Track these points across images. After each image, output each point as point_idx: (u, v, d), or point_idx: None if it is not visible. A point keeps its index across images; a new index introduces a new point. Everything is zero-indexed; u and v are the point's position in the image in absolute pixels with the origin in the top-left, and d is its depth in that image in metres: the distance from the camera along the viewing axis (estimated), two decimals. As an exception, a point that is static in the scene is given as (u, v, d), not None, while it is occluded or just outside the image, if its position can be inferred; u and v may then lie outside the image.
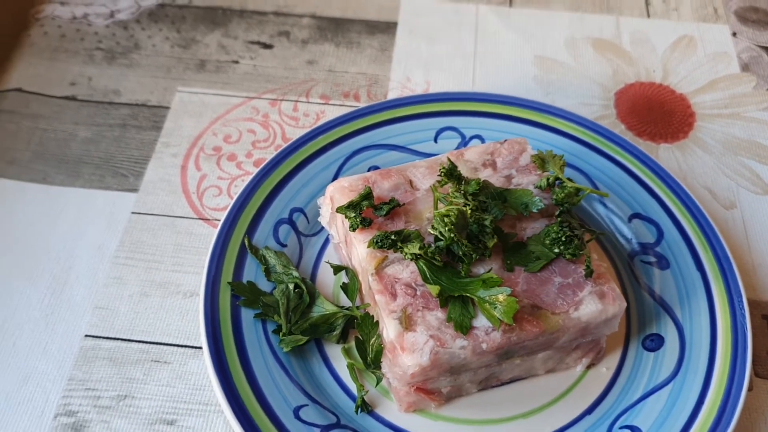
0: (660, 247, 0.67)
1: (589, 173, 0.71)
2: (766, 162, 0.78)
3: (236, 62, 0.86)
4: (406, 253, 0.57)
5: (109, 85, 0.84)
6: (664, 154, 0.79)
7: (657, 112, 0.82)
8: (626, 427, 0.57)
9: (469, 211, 0.57)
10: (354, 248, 0.60)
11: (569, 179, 0.61)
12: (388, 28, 0.90)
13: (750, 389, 0.63)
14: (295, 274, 0.64)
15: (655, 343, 0.62)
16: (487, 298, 0.54)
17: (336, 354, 0.62)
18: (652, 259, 0.66)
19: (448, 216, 0.56)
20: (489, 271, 0.57)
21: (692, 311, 0.63)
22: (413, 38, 0.89)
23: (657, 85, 0.85)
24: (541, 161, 0.63)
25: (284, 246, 0.67)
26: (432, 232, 0.57)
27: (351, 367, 0.60)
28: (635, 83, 0.85)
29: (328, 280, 0.66)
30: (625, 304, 0.56)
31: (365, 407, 0.59)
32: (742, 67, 0.87)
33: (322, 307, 0.62)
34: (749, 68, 0.87)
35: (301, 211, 0.69)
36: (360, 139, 0.73)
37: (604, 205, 0.70)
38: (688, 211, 0.68)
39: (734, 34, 0.90)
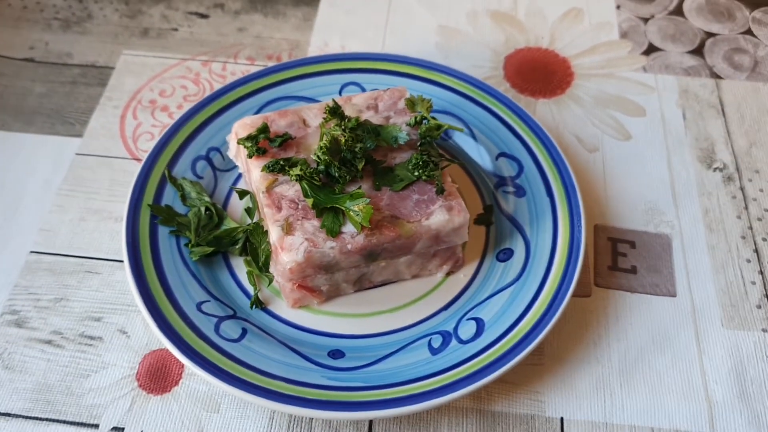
0: (519, 180, 0.78)
1: (465, 119, 0.82)
2: (631, 114, 0.90)
3: (176, 30, 0.98)
4: (292, 175, 0.69)
5: (63, 48, 0.96)
6: (542, 107, 0.90)
7: (540, 73, 0.93)
8: (472, 318, 0.69)
9: (343, 141, 0.69)
10: (251, 173, 0.72)
11: (434, 118, 0.73)
12: (313, 1, 1.02)
13: (588, 296, 0.74)
14: (207, 199, 0.76)
15: (506, 255, 0.74)
16: (352, 207, 0.66)
17: (239, 265, 0.74)
18: (512, 189, 0.78)
19: (325, 144, 0.68)
20: (359, 189, 0.68)
21: (539, 229, 0.74)
22: (333, 10, 1.01)
23: (543, 49, 0.96)
24: (411, 104, 0.75)
25: (201, 178, 0.78)
26: (314, 158, 0.69)
27: (250, 274, 0.72)
28: (524, 48, 0.96)
29: (237, 206, 0.78)
30: (468, 216, 0.68)
31: (259, 303, 0.71)
32: (621, 34, 0.99)
33: (228, 225, 0.74)
34: (627, 36, 0.99)
35: (217, 150, 0.80)
36: (275, 90, 0.85)
37: (477, 143, 0.81)
38: (546, 150, 0.79)
39: (618, 7, 1.02)
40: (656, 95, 0.92)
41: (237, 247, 0.73)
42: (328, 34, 0.98)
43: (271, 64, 0.94)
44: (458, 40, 0.97)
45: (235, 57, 0.95)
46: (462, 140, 0.82)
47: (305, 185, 0.68)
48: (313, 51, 0.96)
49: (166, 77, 0.92)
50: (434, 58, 0.93)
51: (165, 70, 0.93)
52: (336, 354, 0.67)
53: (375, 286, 0.72)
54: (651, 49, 0.97)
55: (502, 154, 0.80)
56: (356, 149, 0.69)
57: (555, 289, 0.69)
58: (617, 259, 0.77)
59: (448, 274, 0.73)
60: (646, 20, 1.01)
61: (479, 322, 0.68)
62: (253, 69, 0.93)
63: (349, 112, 0.75)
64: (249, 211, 0.75)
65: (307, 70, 0.87)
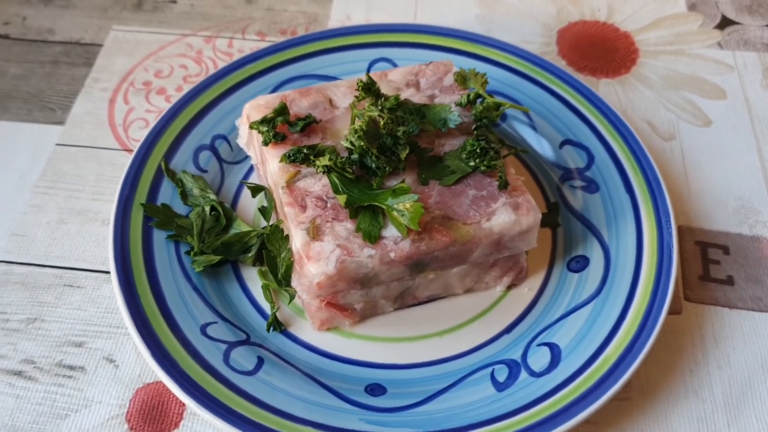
0: (590, 172, 0.65)
1: (522, 101, 0.69)
2: (707, 96, 0.76)
3: (174, 2, 0.84)
4: (318, 166, 0.55)
5: (44, 24, 0.82)
6: (605, 88, 0.77)
7: (599, 49, 0.80)
8: (544, 344, 0.55)
9: (382, 122, 0.55)
10: (268, 164, 0.58)
11: (491, 96, 0.60)
12: (332, -31, 0.89)
13: (678, 312, 0.61)
14: (213, 197, 0.62)
15: (580, 264, 0.60)
16: (395, 205, 0.52)
17: (253, 277, 0.60)
18: (581, 183, 0.65)
19: (360, 127, 0.55)
20: (402, 182, 0.55)
21: (619, 233, 0.61)
22: (356, -22, 0.88)
23: (601, 23, 0.83)
24: (462, 79, 0.61)
25: (204, 172, 0.65)
26: (345, 146, 0.56)
27: (266, 288, 0.59)
28: (579, 22, 0.83)
29: (249, 206, 0.65)
30: (539, 215, 0.55)
31: (277, 325, 0.57)
32: (689, 6, 0.86)
33: (238, 229, 0.61)
34: (696, 7, 0.85)
35: (224, 138, 0.67)
36: (291, 68, 0.72)
37: (536, 131, 0.68)
38: (621, 136, 0.66)
39: (683, -25, 0.89)
40: (736, 75, 0.79)
41: (250, 255, 0.60)
42: (350, 6, 0.85)
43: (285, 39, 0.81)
44: (502, 12, 0.84)
45: (242, 32, 0.81)
46: (518, 125, 0.69)
47: (335, 178, 0.55)
48: (333, 25, 0.82)
49: (162, 56, 0.79)
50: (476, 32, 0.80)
51: (161, 48, 0.79)
52: (375, 389, 0.54)
53: (420, 303, 0.59)
54: (725, 23, 0.84)
55: (568, 142, 0.67)
56: (399, 133, 0.55)
57: (646, 306, 0.56)
58: (709, 268, 0.64)
59: (510, 287, 0.60)
60: (716, -10, 0.88)
61: (553, 348, 0.55)
62: (264, 45, 0.80)
63: (385, 90, 0.62)
64: (264, 211, 0.61)
65: (328, 44, 0.73)
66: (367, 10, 0.84)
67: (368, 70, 0.72)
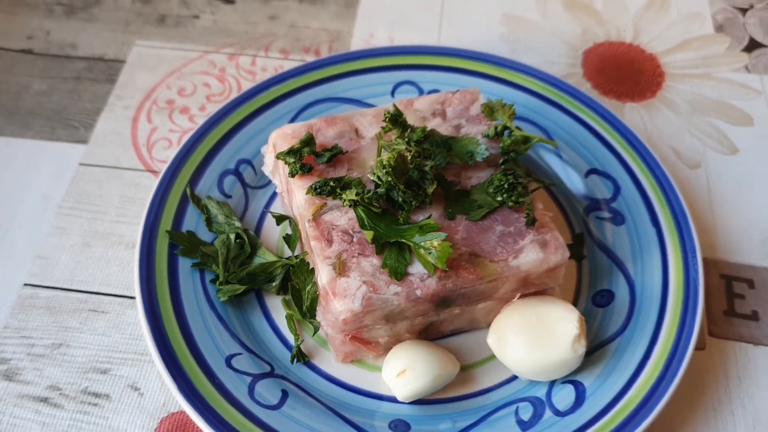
0: (616, 203, 0.64)
1: (548, 128, 0.69)
2: (734, 123, 0.76)
3: (196, 17, 0.84)
4: (345, 200, 0.55)
5: (66, 38, 0.82)
6: (630, 113, 0.76)
7: (625, 71, 0.79)
8: (569, 381, 0.55)
9: (409, 157, 0.55)
10: (294, 195, 0.58)
11: (519, 128, 0.59)
12: (355, -15, 0.88)
13: (702, 348, 0.61)
14: (237, 224, 0.62)
15: (605, 298, 0.60)
16: (423, 243, 0.52)
17: (276, 306, 0.60)
18: (607, 214, 0.64)
19: (388, 162, 0.55)
20: (428, 218, 0.55)
21: (645, 267, 0.60)
22: (380, -5, 0.87)
23: (627, 44, 0.82)
24: (489, 110, 0.61)
25: (229, 197, 0.65)
26: (372, 179, 0.56)
27: (290, 318, 0.59)
28: (604, 42, 0.82)
29: (273, 232, 0.65)
30: (567, 254, 0.54)
31: (301, 357, 0.57)
32: (716, 28, 0.85)
33: (263, 258, 0.61)
34: (723, 29, 0.84)
35: (248, 162, 0.67)
36: (314, 91, 0.71)
37: (562, 159, 0.67)
38: (647, 166, 0.66)
39: (710, -5, 0.88)
40: (764, 100, 0.78)
41: (274, 284, 0.60)
42: (374, 24, 0.84)
43: (308, 58, 0.80)
44: (527, 31, 0.83)
45: (266, 50, 0.81)
46: (544, 153, 0.68)
47: (362, 213, 0.54)
48: (356, 43, 0.82)
49: (185, 73, 0.78)
50: (499, 52, 0.79)
51: (184, 65, 0.79)
52: (399, 425, 0.54)
53: (444, 336, 0.59)
54: (753, 45, 0.83)
55: (594, 171, 0.66)
56: (426, 168, 0.55)
57: (671, 344, 0.56)
58: (734, 302, 0.63)
59: (534, 321, 0.60)
60: (744, 11, 0.86)
61: (578, 386, 0.55)
62: (287, 64, 0.80)
63: (411, 119, 0.62)
64: (288, 240, 0.62)
65: (352, 67, 0.73)
66: (391, 27, 0.84)
67: (392, 93, 0.72)
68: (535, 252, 0.54)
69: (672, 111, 0.76)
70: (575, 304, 0.60)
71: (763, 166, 0.72)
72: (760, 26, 0.85)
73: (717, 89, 0.78)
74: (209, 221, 0.63)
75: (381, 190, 0.55)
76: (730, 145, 0.74)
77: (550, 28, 0.84)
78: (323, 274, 0.53)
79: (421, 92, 0.72)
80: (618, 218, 0.64)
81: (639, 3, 0.86)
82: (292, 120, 0.69)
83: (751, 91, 0.78)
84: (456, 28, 0.84)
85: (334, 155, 0.59)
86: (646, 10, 0.86)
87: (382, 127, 0.58)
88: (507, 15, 0.85)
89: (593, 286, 0.61)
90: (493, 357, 0.57)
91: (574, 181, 0.66)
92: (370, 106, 0.71)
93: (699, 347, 0.61)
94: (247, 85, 0.77)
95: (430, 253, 0.52)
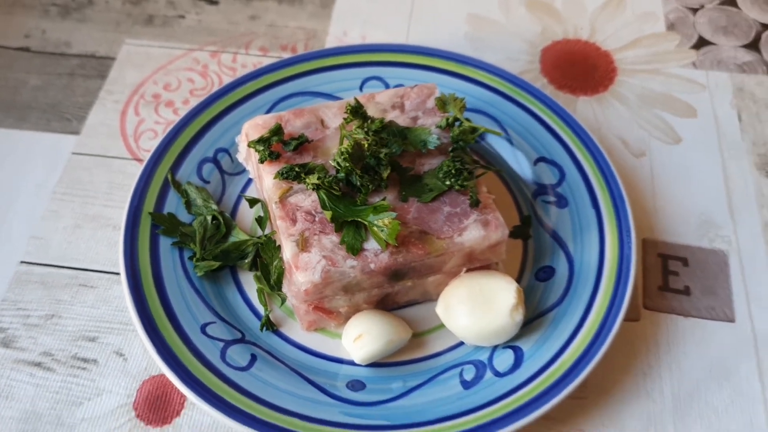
0: (561, 188, 0.70)
1: (501, 120, 0.74)
2: (679, 114, 0.81)
3: (182, 17, 0.90)
4: (308, 184, 0.61)
5: (61, 37, 0.88)
6: (583, 106, 0.82)
7: (580, 67, 0.85)
8: (509, 347, 0.61)
9: (366, 145, 0.61)
10: (263, 180, 0.64)
11: (468, 120, 0.65)
12: (331, -14, 0.94)
13: (636, 319, 0.67)
14: (214, 207, 0.68)
15: (546, 274, 0.66)
16: (376, 222, 0.58)
17: (249, 281, 0.66)
18: (553, 198, 0.70)
19: (346, 149, 0.61)
20: (383, 200, 0.61)
21: (584, 245, 0.66)
22: (354, -4, 0.93)
23: (583, 42, 0.88)
24: (442, 103, 0.67)
25: (207, 183, 0.71)
26: (333, 165, 0.62)
27: (260, 292, 0.65)
28: (562, 40, 0.88)
29: (248, 215, 0.71)
30: (507, 232, 0.60)
31: (270, 326, 0.63)
32: (668, 26, 0.90)
33: (237, 237, 0.67)
34: (675, 27, 0.90)
35: (225, 151, 0.73)
36: (289, 86, 0.77)
37: (513, 147, 0.73)
38: (591, 155, 0.71)
39: (664, -5, 0.94)
40: (708, 94, 0.84)
41: (246, 261, 0.66)
42: (347, 23, 0.90)
43: (285, 55, 0.86)
44: (490, 31, 0.89)
45: (246, 47, 0.87)
46: (496, 143, 0.74)
47: (323, 195, 0.61)
48: (331, 41, 0.88)
49: (171, 69, 0.85)
50: (464, 50, 0.85)
51: (170, 62, 0.85)
52: (356, 385, 0.60)
53: (400, 307, 0.65)
54: (701, 43, 0.89)
55: (542, 159, 0.72)
56: (381, 155, 0.61)
57: (603, 313, 0.62)
58: (668, 279, 0.69)
59: (482, 294, 0.66)
60: (695, 11, 0.92)
61: (517, 351, 0.61)
62: (266, 60, 0.86)
63: (372, 111, 0.68)
64: (260, 221, 0.68)
65: (324, 63, 0.79)
66: (363, 26, 0.89)
67: (361, 88, 0.78)
68: (478, 230, 0.60)
69: (622, 104, 0.82)
70: (520, 278, 0.67)
71: (702, 154, 0.78)
72: (708, 25, 0.91)
73: (665, 84, 0.84)
74: (188, 204, 0.69)
75: (341, 175, 0.61)
76: (674, 135, 0.80)
77: (512, 27, 0.90)
78: (287, 250, 0.59)
79: (387, 87, 0.78)
80: (562, 201, 0.70)
81: (596, 2, 0.92)
82: (267, 112, 0.75)
83: (697, 86, 0.84)
84: (424, 27, 0.90)
85: (300, 143, 0.65)
86: (603, 9, 0.91)
87: (344, 118, 0.64)
88: (472, 15, 0.91)
89: (537, 262, 0.67)
90: (442, 325, 0.63)
91: (523, 168, 0.72)
92: (340, 99, 0.77)
93: (633, 318, 0.67)
94: (228, 81, 0.83)
95: (382, 230, 0.58)
